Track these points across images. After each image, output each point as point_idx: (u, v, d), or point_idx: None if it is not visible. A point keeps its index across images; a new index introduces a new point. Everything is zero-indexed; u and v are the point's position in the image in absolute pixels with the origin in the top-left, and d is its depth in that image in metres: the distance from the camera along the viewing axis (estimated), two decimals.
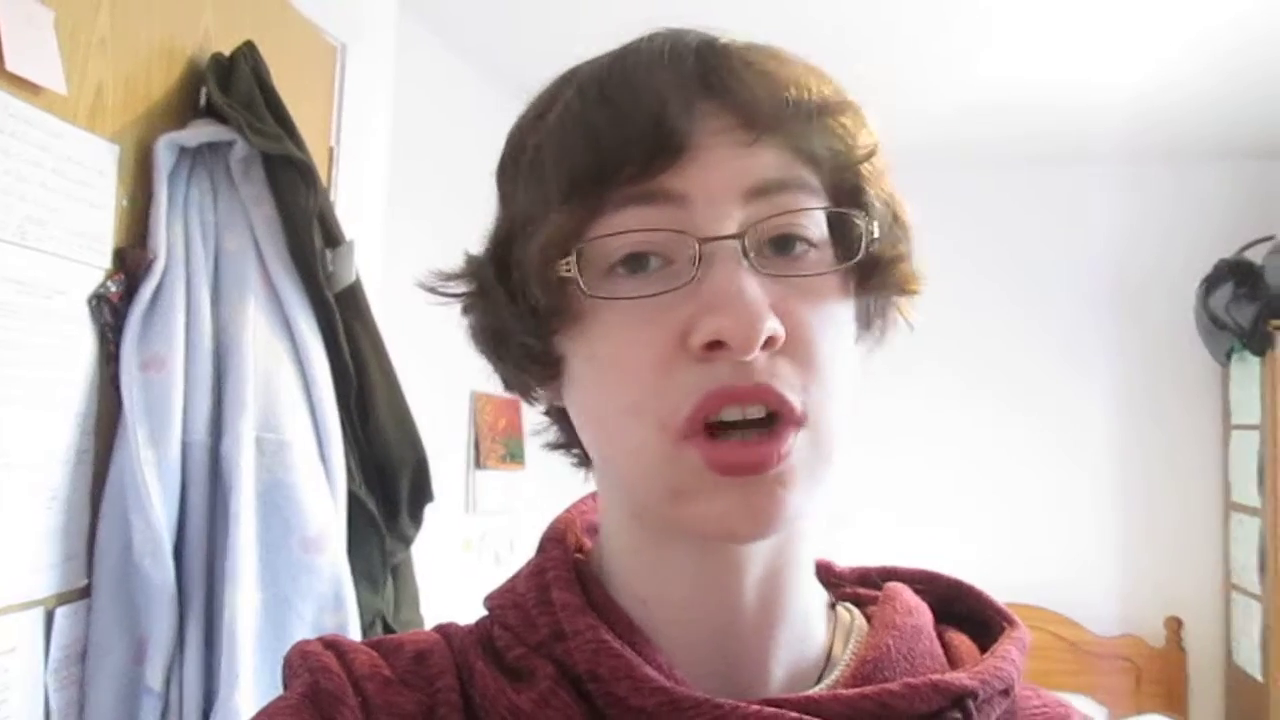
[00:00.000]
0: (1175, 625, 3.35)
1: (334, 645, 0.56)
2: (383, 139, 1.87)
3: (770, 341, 0.48)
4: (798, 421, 0.49)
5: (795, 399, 0.49)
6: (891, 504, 3.47)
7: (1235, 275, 3.06)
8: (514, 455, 2.95)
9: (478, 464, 2.79)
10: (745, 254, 0.49)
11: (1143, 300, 3.49)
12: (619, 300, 0.50)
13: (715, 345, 0.48)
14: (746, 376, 0.48)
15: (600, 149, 0.50)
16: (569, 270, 0.50)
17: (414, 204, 2.24)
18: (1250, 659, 3.10)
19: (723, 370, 0.48)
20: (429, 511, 1.51)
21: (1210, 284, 3.13)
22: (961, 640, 0.58)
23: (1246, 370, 3.14)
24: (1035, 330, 3.56)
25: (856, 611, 0.60)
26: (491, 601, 0.59)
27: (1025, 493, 3.51)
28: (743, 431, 0.49)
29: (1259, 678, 3.02)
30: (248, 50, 1.39)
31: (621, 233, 0.50)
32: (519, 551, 2.87)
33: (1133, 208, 3.52)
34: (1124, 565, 3.47)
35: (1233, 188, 3.42)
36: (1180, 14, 2.39)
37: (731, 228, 0.49)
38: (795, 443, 0.49)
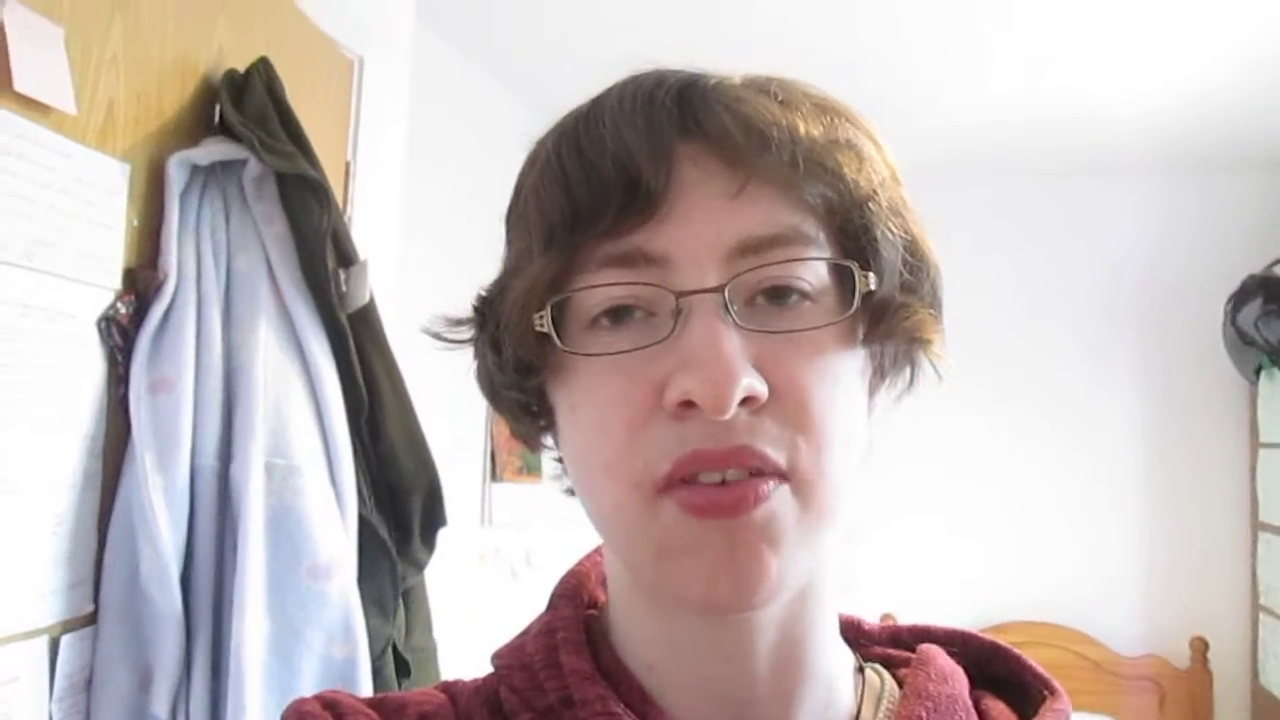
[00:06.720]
0: (1201, 646, 3.30)
1: (332, 706, 0.54)
2: (399, 153, 1.86)
3: (750, 400, 0.45)
4: (779, 474, 0.46)
5: (778, 455, 0.46)
6: (915, 518, 3.44)
7: (1264, 291, 3.02)
8: (530, 467, 2.92)
9: (493, 476, 2.77)
10: (726, 308, 0.46)
11: (1169, 315, 3.44)
12: (597, 355, 0.48)
13: (688, 405, 0.45)
14: (723, 438, 0.45)
15: (574, 201, 0.48)
16: (542, 325, 0.49)
17: (431, 215, 2.22)
18: (1277, 681, 3.05)
19: (697, 430, 0.45)
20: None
21: (1238, 299, 3.09)
22: (1000, 710, 0.55)
23: (1275, 387, 3.09)
24: (1060, 345, 3.52)
25: (887, 675, 0.57)
26: (499, 660, 0.57)
27: (1050, 509, 3.47)
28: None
29: None
30: (262, 66, 1.37)
31: (600, 285, 0.48)
32: (535, 566, 2.84)
33: (1159, 221, 3.47)
34: (1149, 584, 3.42)
35: (1261, 201, 3.37)
36: (1206, 25, 2.35)
37: (712, 280, 0.46)
38: (776, 491, 0.46)
